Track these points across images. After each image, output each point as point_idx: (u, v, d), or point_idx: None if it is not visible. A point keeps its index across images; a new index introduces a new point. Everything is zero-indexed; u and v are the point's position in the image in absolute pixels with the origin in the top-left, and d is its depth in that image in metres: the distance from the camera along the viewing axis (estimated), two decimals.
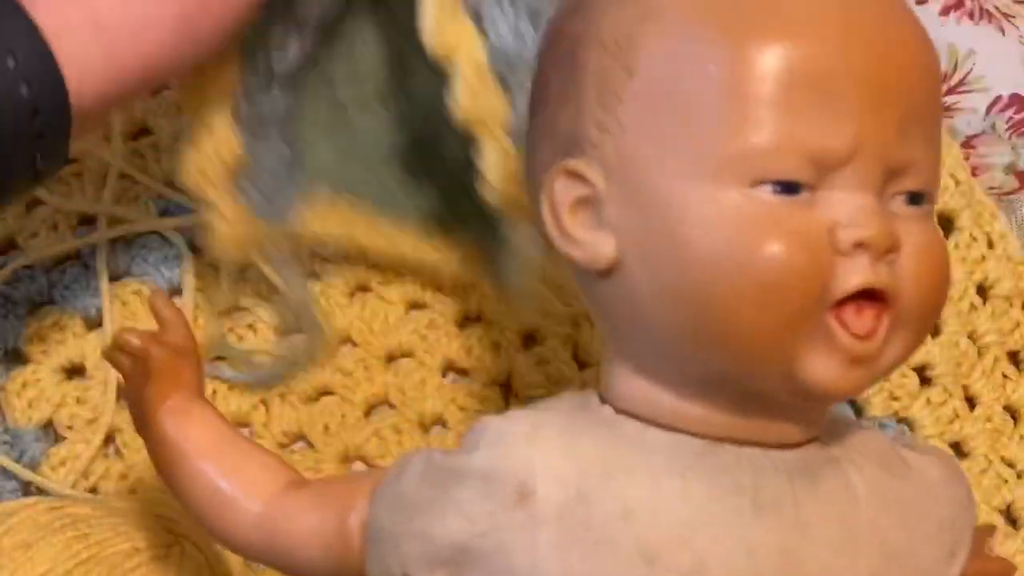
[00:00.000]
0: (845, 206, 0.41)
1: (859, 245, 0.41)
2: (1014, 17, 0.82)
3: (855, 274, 0.41)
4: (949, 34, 0.81)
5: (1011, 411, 0.74)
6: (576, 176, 0.43)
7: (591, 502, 0.41)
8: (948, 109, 0.80)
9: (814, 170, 0.41)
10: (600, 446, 0.43)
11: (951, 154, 0.78)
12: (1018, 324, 0.76)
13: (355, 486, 0.47)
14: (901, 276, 0.42)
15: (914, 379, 0.73)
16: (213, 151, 0.59)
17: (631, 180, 0.42)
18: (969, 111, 0.81)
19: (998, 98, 0.81)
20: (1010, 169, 0.81)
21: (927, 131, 0.43)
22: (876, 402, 0.73)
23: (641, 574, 0.41)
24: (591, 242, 0.43)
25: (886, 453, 0.47)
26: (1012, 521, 0.73)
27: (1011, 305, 0.76)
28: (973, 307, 0.75)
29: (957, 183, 0.77)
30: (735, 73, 0.41)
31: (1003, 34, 0.82)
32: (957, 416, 0.73)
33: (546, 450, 0.42)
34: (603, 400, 0.46)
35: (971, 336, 0.75)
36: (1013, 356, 0.76)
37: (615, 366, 0.46)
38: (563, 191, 0.44)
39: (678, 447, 0.43)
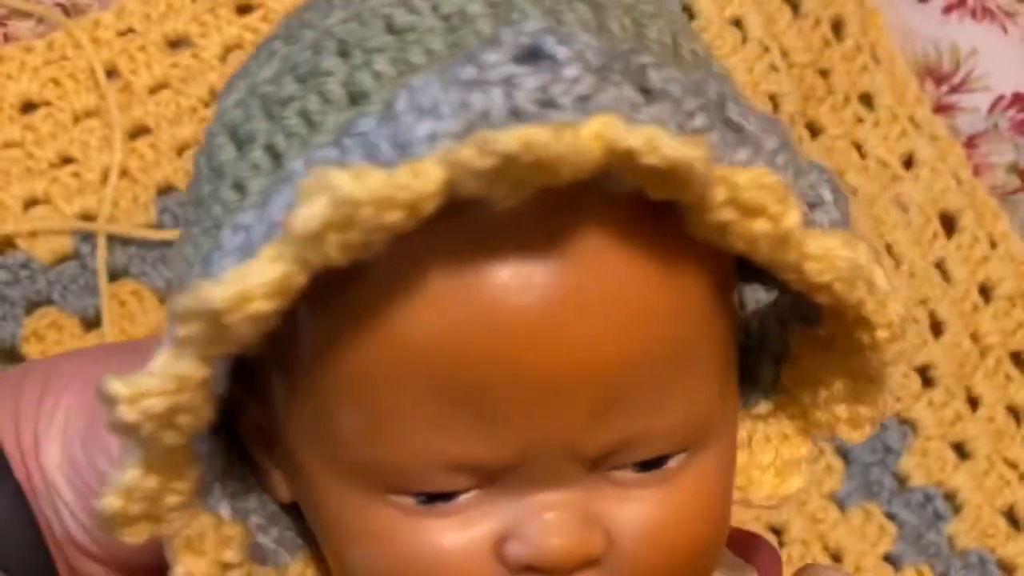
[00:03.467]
0: (519, 511, 0.32)
1: (530, 568, 0.32)
2: (1016, 16, 0.82)
3: None
4: (951, 33, 0.81)
5: (1014, 412, 0.74)
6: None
7: None
8: (950, 108, 0.80)
9: (472, 476, 0.32)
10: None
11: (953, 153, 0.78)
12: (1021, 325, 0.75)
13: None
14: (621, 566, 0.33)
15: (916, 380, 0.73)
16: None
17: (287, 443, 0.35)
18: (971, 110, 0.80)
19: (1000, 97, 0.81)
20: (1013, 168, 0.80)
21: (655, 397, 0.32)
22: None
23: None
24: (272, 475, 0.36)
25: None
26: (1015, 523, 0.72)
27: (1014, 305, 0.76)
28: (976, 308, 0.75)
29: (959, 182, 0.77)
30: (364, 373, 0.32)
31: (1005, 33, 0.81)
32: (960, 417, 0.73)
33: None
34: None
35: (974, 337, 0.75)
36: (1016, 357, 0.75)
37: None
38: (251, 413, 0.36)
39: None
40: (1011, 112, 0.81)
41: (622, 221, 0.31)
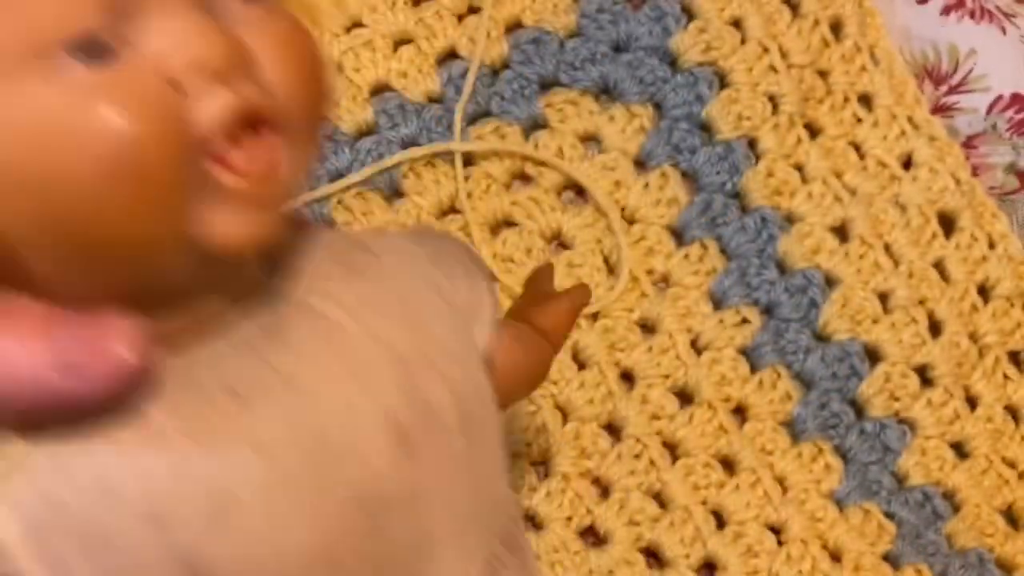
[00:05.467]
0: (165, 39, 0.35)
1: (197, 71, 0.35)
2: (1015, 16, 0.82)
3: (212, 102, 0.35)
4: (950, 33, 0.81)
5: (1012, 412, 0.74)
6: None
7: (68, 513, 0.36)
8: (949, 109, 0.80)
9: (112, 16, 0.34)
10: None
11: (952, 154, 0.78)
12: (1019, 324, 0.76)
13: None
14: (271, 85, 0.36)
15: (915, 380, 0.73)
16: None
17: None
18: (970, 111, 0.81)
19: (999, 98, 0.81)
20: (1011, 169, 0.81)
21: None
22: (877, 403, 0.73)
23: (153, 542, 0.37)
24: None
25: (353, 258, 0.43)
26: (1013, 522, 0.73)
27: (1012, 305, 0.76)
28: (974, 308, 0.75)
29: (958, 183, 0.77)
30: None
31: (1004, 33, 0.82)
32: (958, 417, 0.73)
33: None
34: None
35: (972, 336, 0.75)
36: (1014, 356, 0.76)
37: None
38: None
39: None
40: (1009, 113, 0.81)
41: None
